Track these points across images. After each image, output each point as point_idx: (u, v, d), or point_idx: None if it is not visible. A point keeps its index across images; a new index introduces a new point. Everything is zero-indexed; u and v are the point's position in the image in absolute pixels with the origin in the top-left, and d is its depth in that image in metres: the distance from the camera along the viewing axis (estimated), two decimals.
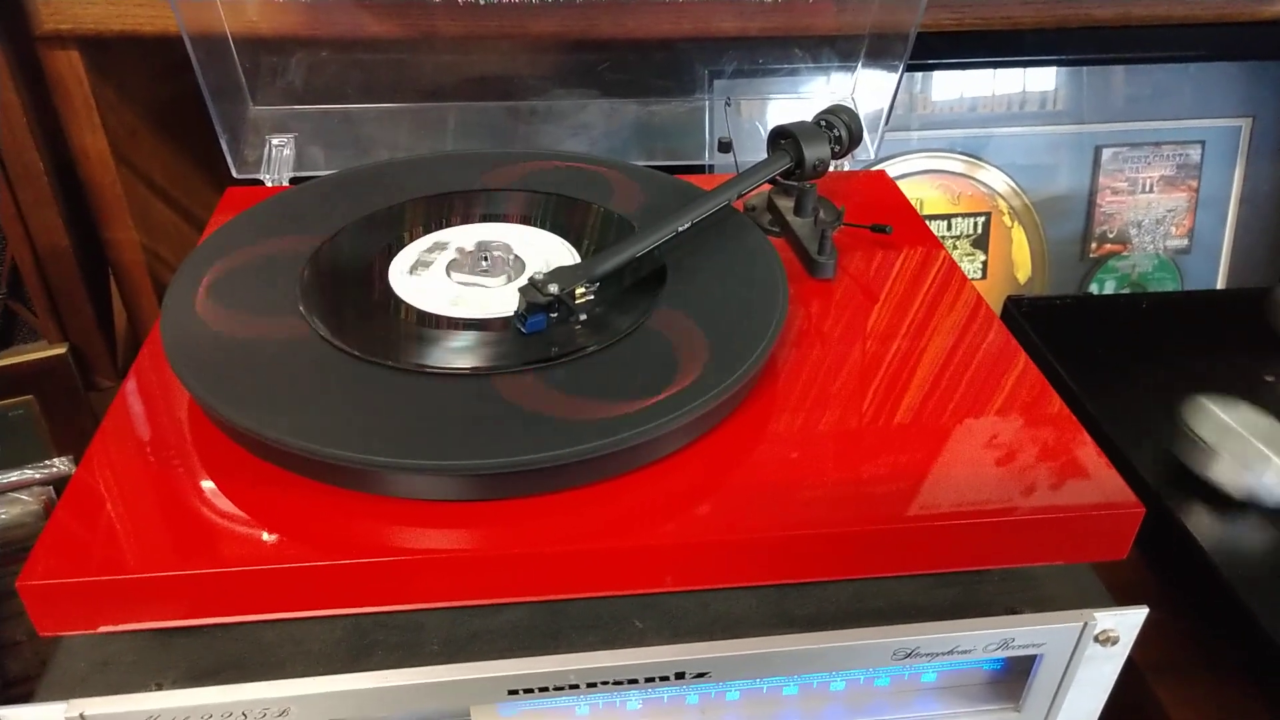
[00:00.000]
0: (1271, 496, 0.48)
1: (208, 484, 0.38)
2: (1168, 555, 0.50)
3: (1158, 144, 0.84)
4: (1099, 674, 0.41)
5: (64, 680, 0.37)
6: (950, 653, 0.39)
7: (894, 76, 0.67)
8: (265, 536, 0.36)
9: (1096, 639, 0.39)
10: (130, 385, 0.44)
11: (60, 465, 0.61)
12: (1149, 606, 0.39)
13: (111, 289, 0.75)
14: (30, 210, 0.66)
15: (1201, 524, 0.49)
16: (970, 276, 0.53)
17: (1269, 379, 0.58)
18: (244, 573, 0.35)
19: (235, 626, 0.38)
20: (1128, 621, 0.39)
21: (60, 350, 0.69)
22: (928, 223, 0.60)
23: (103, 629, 0.36)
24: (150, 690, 0.36)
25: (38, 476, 0.60)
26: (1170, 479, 0.51)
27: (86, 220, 0.71)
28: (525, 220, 0.53)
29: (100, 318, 0.72)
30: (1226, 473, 0.49)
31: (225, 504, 0.38)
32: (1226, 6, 0.74)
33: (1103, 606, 0.39)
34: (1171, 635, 0.49)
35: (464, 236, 0.51)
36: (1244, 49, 0.81)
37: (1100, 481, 0.40)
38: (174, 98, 0.73)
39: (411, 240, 0.51)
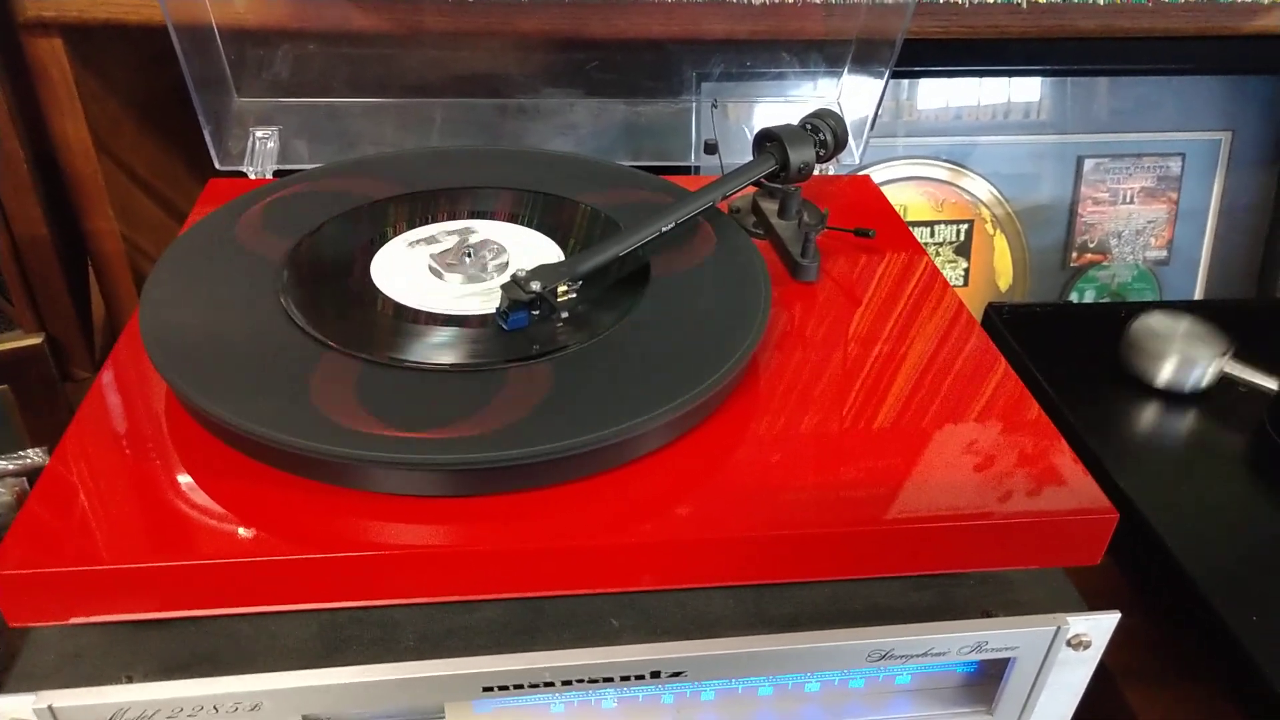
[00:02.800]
0: (1180, 385, 0.56)
1: (183, 476, 0.38)
2: (1141, 561, 0.50)
3: (1139, 156, 0.85)
4: (1071, 678, 0.41)
5: (33, 672, 0.36)
6: (925, 655, 0.39)
7: (880, 82, 0.67)
8: (240, 530, 0.36)
9: (1069, 643, 0.40)
10: (107, 376, 0.43)
11: (34, 456, 0.60)
12: (1122, 612, 0.40)
13: (90, 279, 0.74)
14: (9, 198, 0.65)
15: (1174, 530, 0.49)
16: (952, 283, 0.54)
17: (1242, 390, 0.59)
18: (218, 565, 0.35)
19: (208, 620, 0.38)
20: (1100, 626, 0.40)
21: (37, 340, 0.68)
22: (911, 229, 0.61)
23: (74, 620, 0.35)
24: (121, 683, 0.35)
25: (11, 467, 0.60)
26: (1143, 484, 0.52)
27: (66, 210, 0.70)
28: (511, 218, 0.53)
29: (78, 308, 0.72)
30: (1147, 368, 0.57)
31: (201, 496, 0.37)
32: (1208, 21, 0.75)
33: (1076, 611, 0.40)
34: (1143, 641, 0.49)
35: (448, 232, 0.51)
36: (1225, 63, 0.82)
37: (1075, 487, 0.40)
38: (158, 88, 0.72)
39: (395, 235, 0.50)
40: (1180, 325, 0.58)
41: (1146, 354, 0.58)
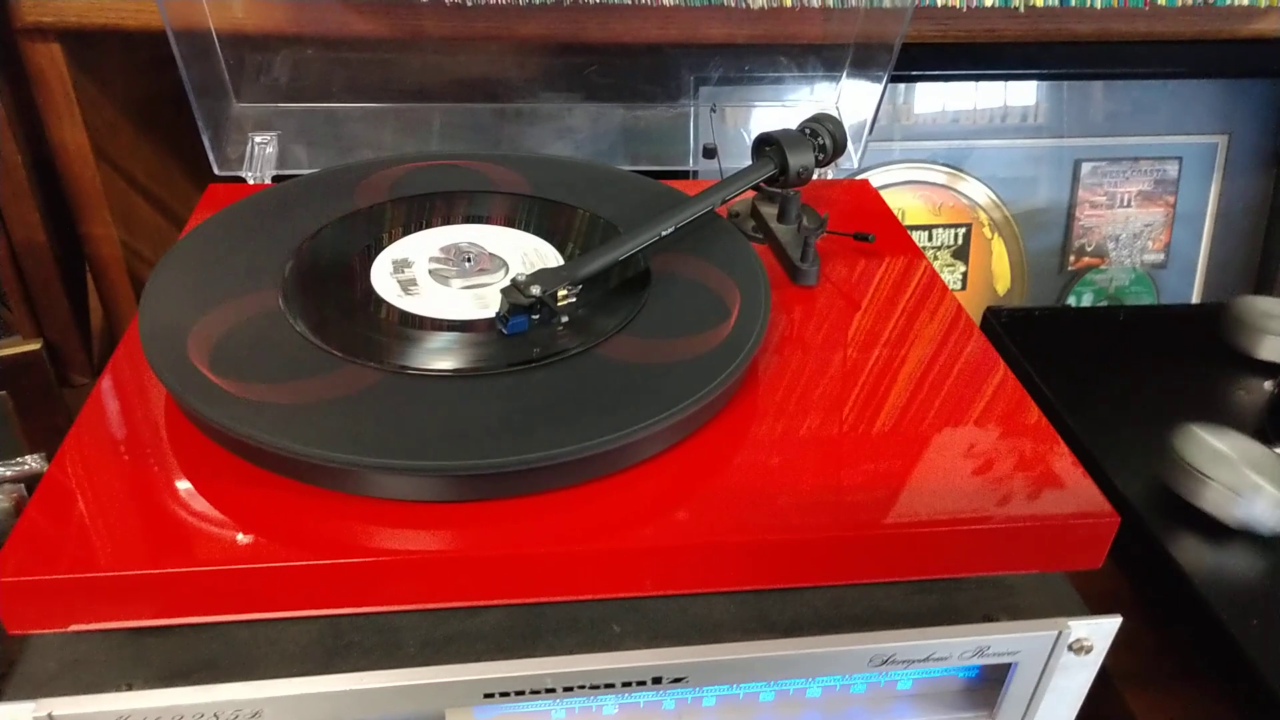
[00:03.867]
0: (1264, 525, 0.48)
1: (183, 483, 0.38)
2: (1142, 565, 0.50)
3: (1136, 159, 0.85)
4: (1072, 682, 0.41)
5: (33, 679, 0.36)
6: (926, 660, 0.39)
7: (878, 87, 0.67)
8: (240, 536, 0.36)
9: (1071, 647, 0.40)
10: (106, 382, 0.43)
11: (32, 463, 0.60)
12: (1123, 616, 0.40)
13: (89, 285, 0.74)
14: (7, 204, 0.65)
15: (1175, 535, 0.49)
16: (950, 287, 0.54)
17: (1242, 391, 0.59)
18: (218, 572, 0.35)
19: (209, 626, 0.38)
20: (1102, 630, 0.40)
21: (35, 346, 0.68)
22: (909, 233, 0.61)
23: (74, 628, 0.35)
24: (121, 690, 0.35)
25: (9, 474, 0.59)
26: (1143, 489, 0.52)
27: (65, 215, 0.70)
28: (509, 222, 0.53)
29: (76, 314, 0.72)
30: (1219, 501, 0.48)
31: (200, 503, 0.37)
32: (1205, 25, 0.75)
33: (1077, 615, 0.40)
34: (1145, 645, 0.49)
35: (447, 237, 0.51)
36: (1221, 67, 0.83)
37: (1076, 491, 0.40)
38: (156, 93, 0.72)
39: (394, 240, 0.50)
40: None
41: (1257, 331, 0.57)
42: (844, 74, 0.71)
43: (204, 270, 0.47)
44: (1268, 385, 0.58)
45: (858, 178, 0.73)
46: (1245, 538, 0.49)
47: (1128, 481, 0.52)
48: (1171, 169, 0.86)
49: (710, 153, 0.64)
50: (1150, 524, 0.50)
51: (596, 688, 0.37)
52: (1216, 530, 0.49)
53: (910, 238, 0.59)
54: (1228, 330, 0.60)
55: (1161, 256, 0.88)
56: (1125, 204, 0.86)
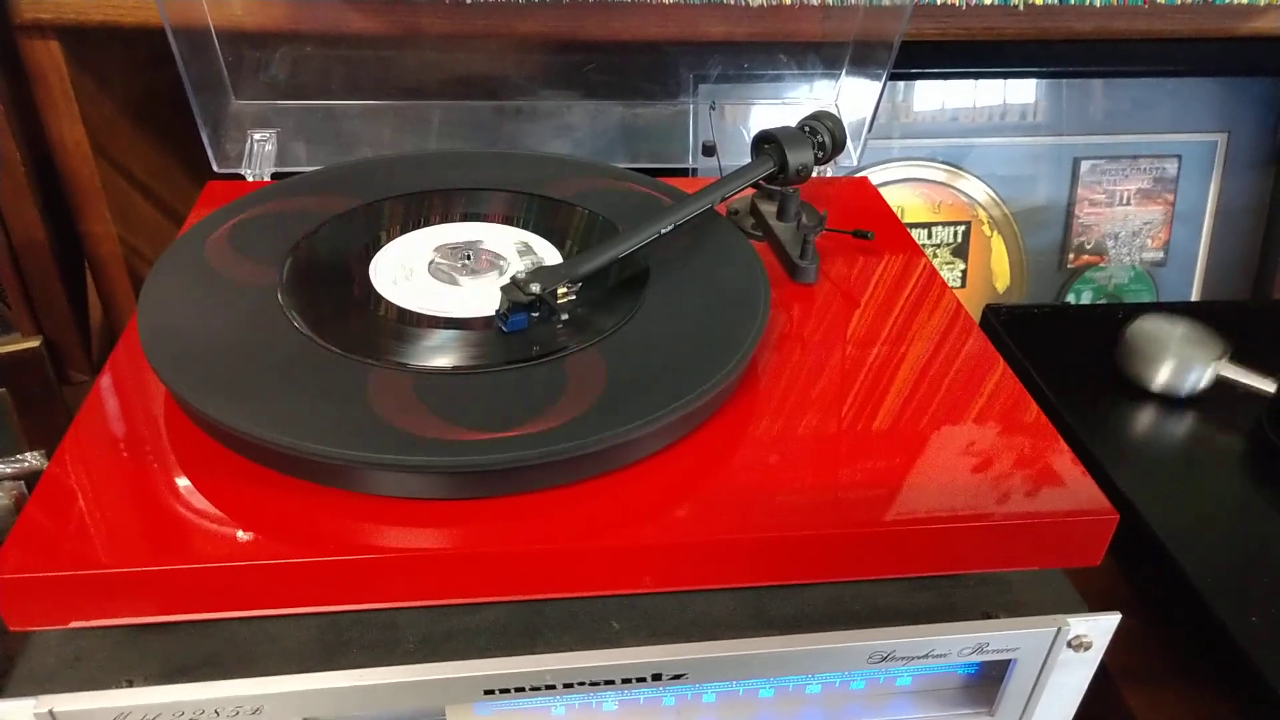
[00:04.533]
0: (1178, 390, 0.56)
1: (182, 480, 0.38)
2: (1141, 562, 0.50)
3: (1135, 157, 0.85)
4: (1072, 679, 0.41)
5: (33, 676, 0.36)
6: (925, 656, 0.39)
7: (877, 84, 0.67)
8: (240, 533, 0.36)
9: (1070, 644, 0.40)
10: (105, 379, 0.43)
11: (32, 460, 0.60)
12: (1122, 613, 0.40)
13: (88, 282, 0.74)
14: (6, 202, 0.65)
15: (1173, 531, 0.49)
16: (949, 285, 0.54)
17: (1240, 391, 0.59)
18: (218, 569, 0.35)
19: (209, 623, 0.38)
20: (1101, 627, 0.40)
21: (34, 343, 0.68)
22: (908, 230, 0.61)
23: (74, 624, 0.35)
24: (122, 687, 0.35)
25: (9, 471, 0.59)
26: (1142, 485, 0.52)
27: (63, 212, 0.70)
28: (508, 220, 0.53)
29: (76, 311, 0.71)
30: (1140, 370, 0.57)
31: (200, 500, 0.37)
32: (1204, 23, 0.75)
33: (1076, 612, 0.40)
34: (1144, 642, 0.49)
35: (446, 235, 0.51)
36: (1221, 65, 0.83)
37: (1075, 488, 0.40)
38: (155, 90, 0.72)
39: (393, 237, 0.50)
40: (1176, 329, 0.57)
41: (1143, 357, 0.58)
42: (843, 72, 0.71)
43: (203, 267, 0.47)
44: (1269, 380, 0.58)
45: (857, 175, 0.73)
46: (1213, 507, 0.52)
47: (1126, 479, 0.52)
48: (1171, 167, 0.86)
49: (709, 150, 0.64)
50: (1149, 521, 0.50)
51: (596, 684, 0.38)
52: (1186, 500, 0.52)
53: (909, 235, 0.60)
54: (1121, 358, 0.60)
55: (1160, 254, 0.88)
56: (1124, 202, 0.86)
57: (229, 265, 0.47)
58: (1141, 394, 0.59)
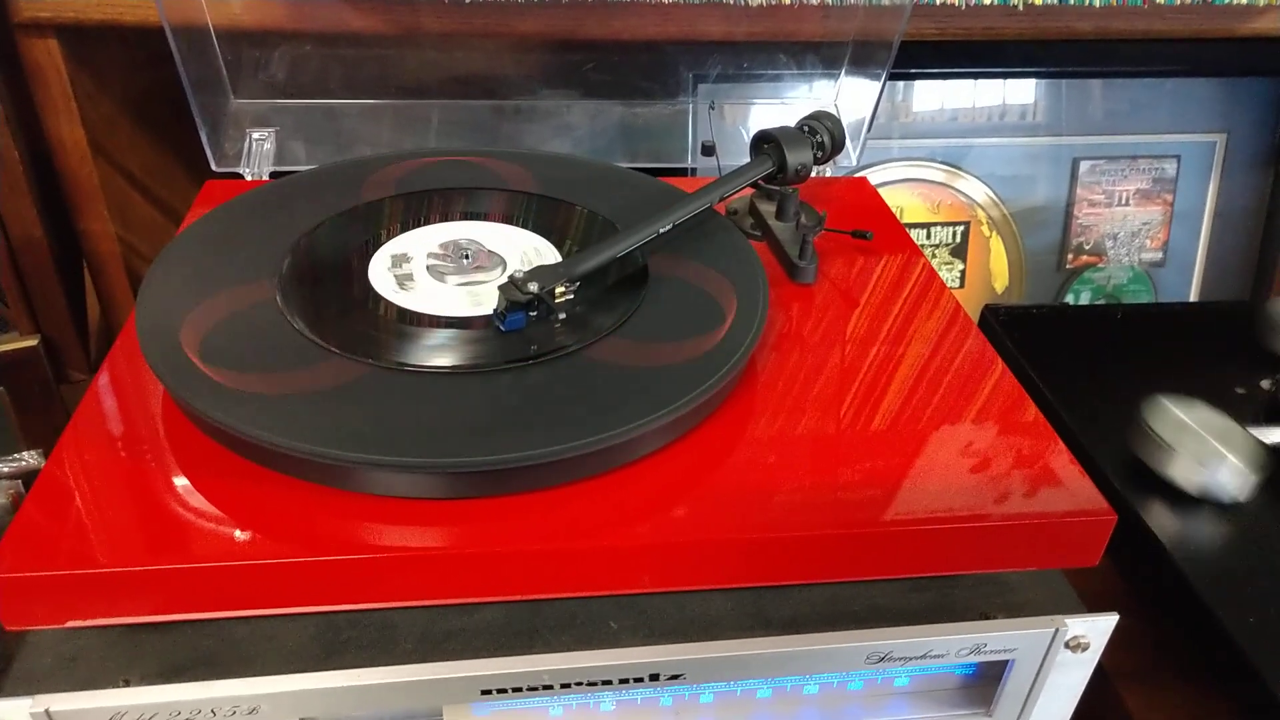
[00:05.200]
0: (1225, 493, 0.50)
1: (180, 479, 0.38)
2: (1139, 563, 0.50)
3: (1134, 158, 0.85)
4: (1069, 680, 0.41)
5: (30, 675, 0.36)
6: (923, 657, 0.39)
7: (877, 84, 0.67)
8: (238, 532, 0.36)
9: (1067, 645, 0.40)
10: (103, 378, 0.43)
11: (29, 459, 0.60)
12: (1120, 614, 0.40)
13: (86, 281, 0.74)
14: (4, 200, 0.65)
15: (1172, 533, 0.49)
16: (948, 285, 0.54)
17: (1240, 390, 0.59)
18: (215, 568, 0.35)
19: (206, 623, 0.38)
20: (1098, 628, 0.40)
21: (32, 342, 0.68)
22: (907, 231, 0.61)
23: (71, 624, 0.35)
24: (118, 686, 0.35)
25: (6, 470, 0.59)
26: (1140, 486, 0.52)
27: (62, 211, 0.70)
28: (507, 219, 0.53)
29: (74, 310, 0.71)
30: (1183, 470, 0.50)
31: (198, 499, 0.37)
32: (1204, 23, 0.75)
33: (1074, 613, 0.40)
34: (1142, 643, 0.49)
35: (444, 234, 0.51)
36: (1220, 65, 0.83)
37: (1073, 489, 0.40)
38: (153, 89, 0.72)
39: (391, 236, 0.50)
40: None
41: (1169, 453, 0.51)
42: (842, 71, 0.71)
43: (201, 267, 0.47)
44: (1265, 384, 0.58)
45: (856, 175, 0.73)
46: (1209, 507, 0.50)
47: (1125, 480, 0.52)
48: (1170, 167, 0.86)
49: (709, 150, 0.64)
50: (1147, 522, 0.50)
51: (594, 684, 0.38)
52: (1182, 500, 0.51)
53: (908, 235, 0.60)
54: (1263, 333, 0.60)
55: (1159, 255, 0.88)
56: (1123, 202, 0.86)
57: (227, 264, 0.47)
58: (1141, 394, 0.58)
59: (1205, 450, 0.49)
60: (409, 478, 0.37)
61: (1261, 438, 0.51)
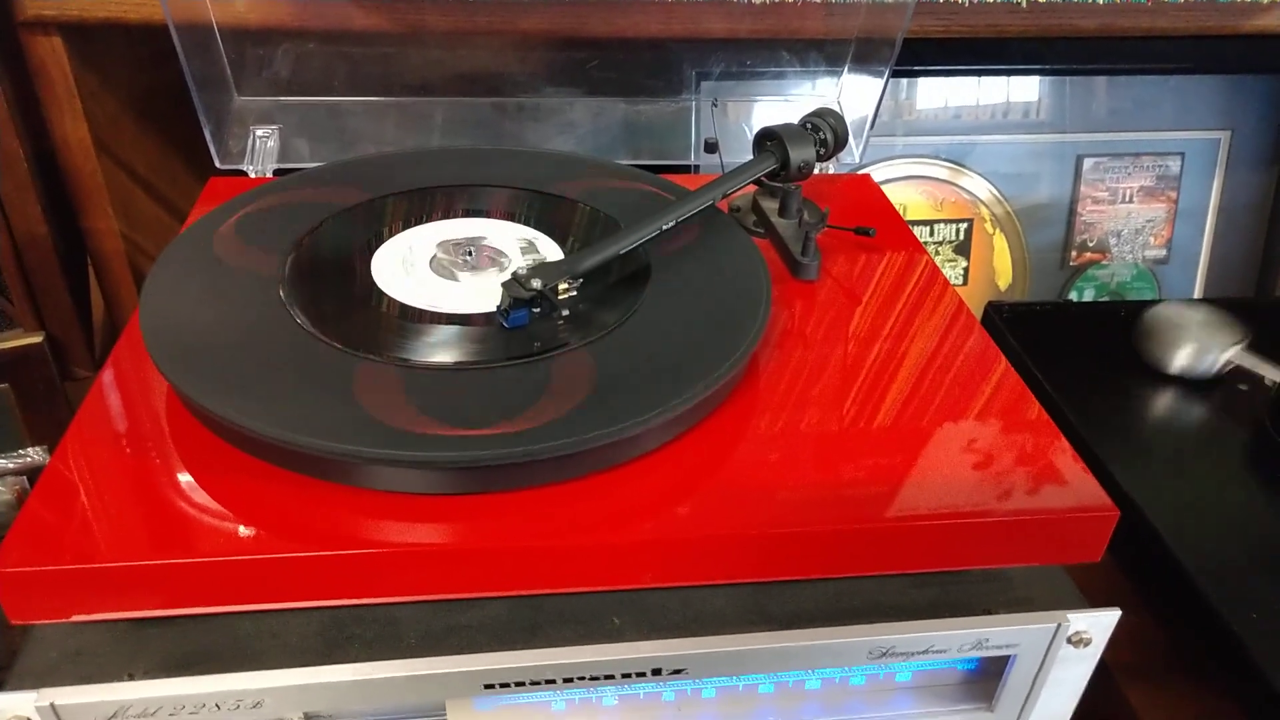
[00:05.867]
0: (1193, 371, 0.58)
1: (184, 474, 0.38)
2: (1142, 559, 0.50)
3: (1138, 155, 0.85)
4: (1071, 675, 0.41)
5: (35, 669, 0.36)
6: (925, 652, 0.39)
7: (880, 81, 0.67)
8: (242, 528, 0.36)
9: (1070, 640, 0.40)
10: (108, 375, 0.43)
11: (34, 455, 0.60)
12: (1122, 609, 0.40)
13: (90, 278, 0.74)
14: (9, 197, 0.65)
15: (1174, 528, 0.49)
16: (951, 282, 0.54)
17: (1242, 387, 0.59)
18: (219, 563, 0.35)
19: (210, 617, 0.38)
20: (1100, 623, 0.40)
21: (36, 339, 0.68)
22: (911, 228, 0.61)
23: (76, 618, 0.35)
24: (123, 680, 0.35)
25: (11, 466, 0.60)
26: (1143, 482, 0.52)
27: (66, 209, 0.70)
28: (510, 216, 0.53)
29: (78, 307, 0.72)
30: (1159, 354, 0.58)
31: (202, 495, 0.37)
32: (1207, 20, 0.75)
33: (1076, 608, 0.40)
34: (1144, 638, 0.49)
35: (448, 231, 0.51)
36: (1224, 63, 0.82)
37: (1076, 485, 0.40)
38: (157, 86, 0.72)
39: (394, 233, 0.50)
40: (1197, 314, 0.59)
41: (1161, 341, 0.59)
42: (846, 69, 0.71)
43: (205, 263, 0.47)
44: (1268, 381, 0.58)
45: (859, 172, 0.73)
46: (1212, 503, 0.52)
47: (1128, 476, 0.52)
48: (1174, 165, 0.86)
49: (711, 147, 0.64)
50: (1150, 518, 0.50)
51: (596, 679, 0.38)
52: (1185, 496, 0.52)
53: (911, 233, 0.59)
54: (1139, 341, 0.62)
55: (1163, 252, 0.88)
56: (1127, 199, 0.86)
57: (231, 261, 0.47)
58: (1143, 391, 0.59)
59: (1175, 336, 0.58)
60: (413, 473, 0.37)
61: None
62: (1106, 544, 0.40)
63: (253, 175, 0.64)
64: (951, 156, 0.83)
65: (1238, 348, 0.57)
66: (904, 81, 0.81)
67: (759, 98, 0.73)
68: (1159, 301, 0.62)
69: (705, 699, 0.41)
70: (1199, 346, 0.58)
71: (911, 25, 0.65)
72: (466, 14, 0.66)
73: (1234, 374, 0.58)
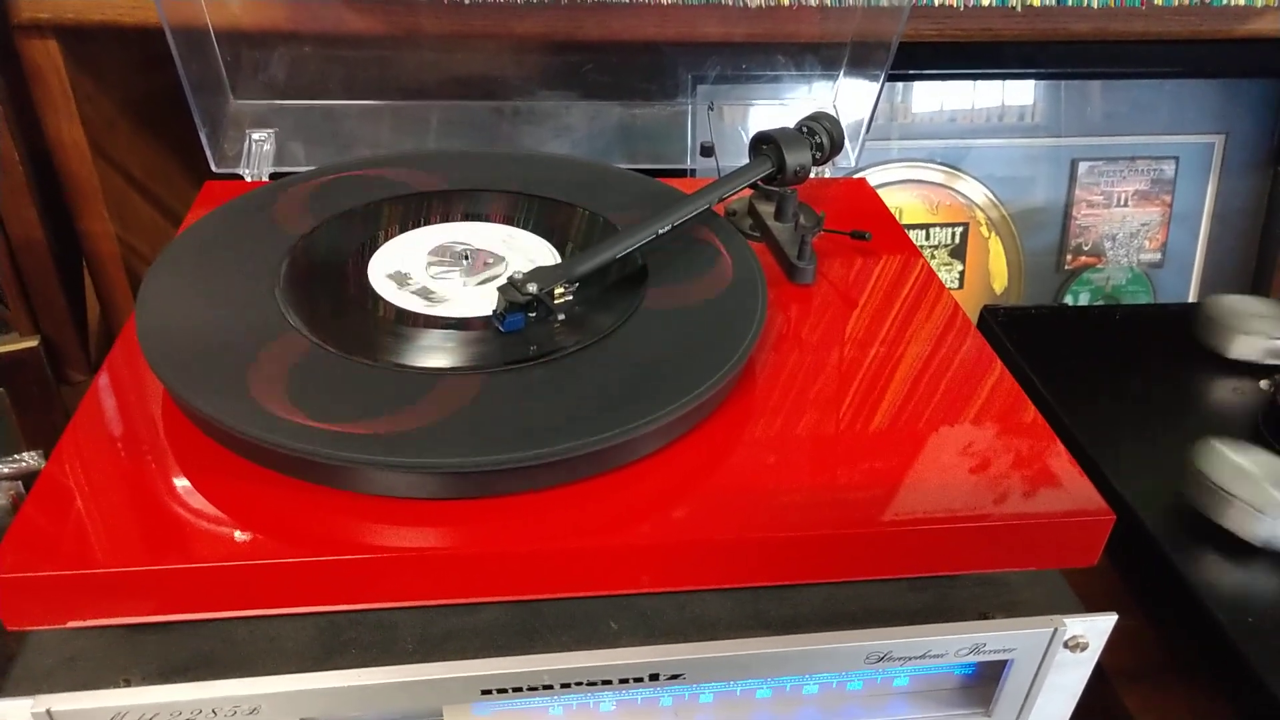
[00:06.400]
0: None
1: (180, 479, 0.38)
2: (1138, 563, 0.50)
3: (1133, 159, 0.85)
4: (1068, 680, 0.41)
5: (31, 676, 0.36)
6: (922, 657, 0.39)
7: (875, 85, 0.68)
8: (238, 533, 0.36)
9: (1066, 645, 0.40)
10: (103, 379, 0.43)
11: (29, 460, 0.60)
12: (1119, 614, 0.40)
13: (86, 282, 0.74)
14: (4, 201, 0.65)
15: (1170, 532, 0.49)
16: (947, 286, 0.54)
17: (1236, 391, 0.59)
18: (216, 569, 0.35)
19: (206, 623, 0.38)
20: (1097, 628, 0.40)
21: (32, 343, 0.68)
22: (906, 231, 0.61)
23: (71, 624, 0.35)
24: (119, 686, 0.35)
25: (6, 471, 0.59)
26: (1138, 486, 0.52)
27: (62, 212, 0.70)
28: (507, 220, 0.53)
29: (73, 310, 0.71)
30: (1242, 520, 0.47)
31: (198, 499, 0.37)
32: (1202, 24, 0.75)
33: (1073, 613, 0.40)
34: (1140, 643, 0.49)
35: (445, 235, 0.51)
36: (1218, 67, 0.83)
37: (1072, 489, 0.40)
38: (153, 90, 0.72)
39: (391, 237, 0.50)
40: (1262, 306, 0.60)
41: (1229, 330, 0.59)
42: (841, 73, 0.71)
43: (201, 267, 0.47)
44: (1263, 384, 0.58)
45: (855, 176, 0.73)
46: (1269, 556, 0.48)
47: (1124, 480, 0.52)
48: (1168, 168, 0.86)
49: (707, 151, 0.64)
50: (1146, 522, 0.50)
51: (594, 684, 0.38)
52: (1239, 548, 0.48)
53: (907, 236, 0.60)
54: (1201, 330, 0.62)
55: (1158, 256, 0.88)
56: (1122, 203, 0.86)
57: (227, 264, 0.47)
58: (1139, 394, 0.59)
59: (1265, 499, 0.47)
60: (409, 478, 0.37)
61: None
62: (1102, 548, 0.40)
63: (248, 179, 0.64)
64: (947, 160, 0.83)
65: None
66: (899, 85, 0.81)
67: (755, 101, 0.73)
68: (1142, 309, 0.62)
69: (703, 704, 0.41)
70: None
71: (906, 29, 0.66)
72: (462, 17, 0.66)
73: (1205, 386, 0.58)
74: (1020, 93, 0.82)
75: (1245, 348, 0.59)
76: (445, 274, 0.47)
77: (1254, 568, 0.48)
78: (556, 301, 0.44)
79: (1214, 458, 0.49)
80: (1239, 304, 0.61)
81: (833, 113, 0.69)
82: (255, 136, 0.65)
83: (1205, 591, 0.46)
